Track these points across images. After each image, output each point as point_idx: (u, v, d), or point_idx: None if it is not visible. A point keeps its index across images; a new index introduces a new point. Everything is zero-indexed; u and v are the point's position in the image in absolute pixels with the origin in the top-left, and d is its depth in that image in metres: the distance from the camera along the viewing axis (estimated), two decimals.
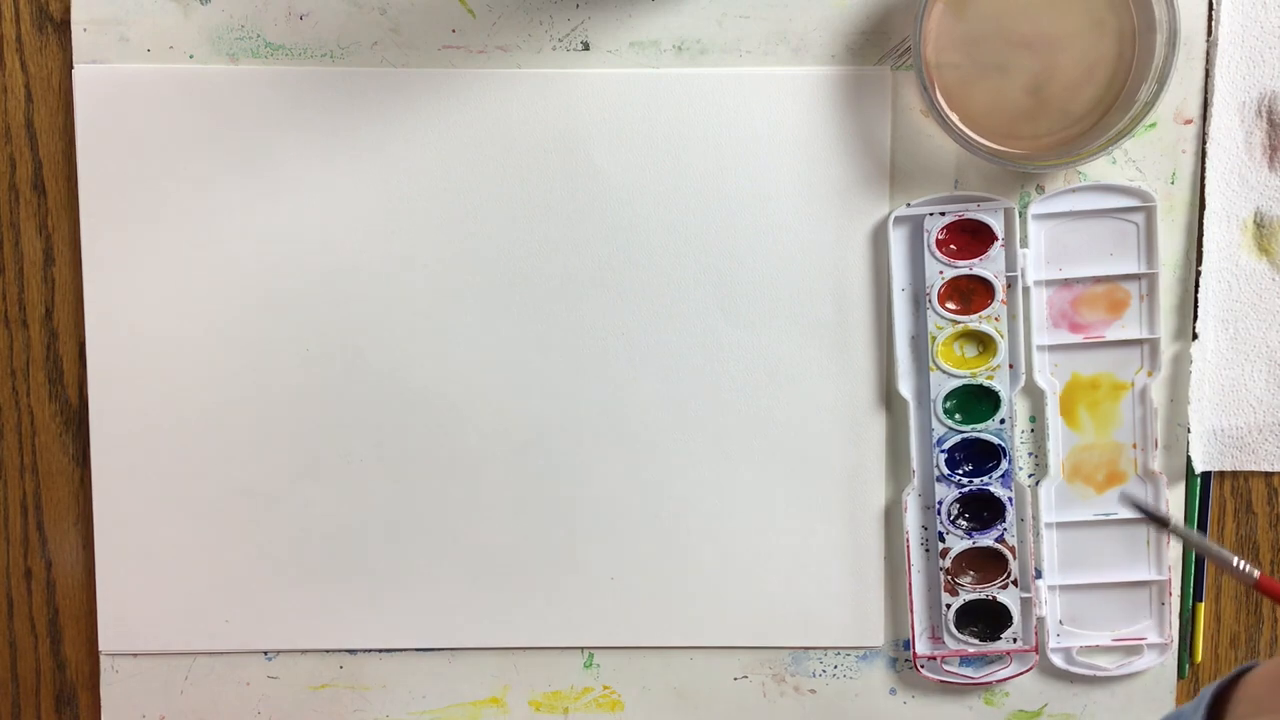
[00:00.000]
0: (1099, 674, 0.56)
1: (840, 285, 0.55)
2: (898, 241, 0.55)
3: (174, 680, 0.58)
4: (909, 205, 0.54)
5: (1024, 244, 0.54)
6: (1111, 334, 0.55)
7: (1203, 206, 0.54)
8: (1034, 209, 0.54)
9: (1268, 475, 0.56)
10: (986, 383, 0.54)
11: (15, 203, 0.56)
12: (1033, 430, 0.56)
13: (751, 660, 0.57)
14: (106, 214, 0.55)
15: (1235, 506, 0.56)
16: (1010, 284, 0.54)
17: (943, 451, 0.54)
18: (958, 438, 0.54)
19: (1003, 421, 0.54)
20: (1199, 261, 0.55)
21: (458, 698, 0.58)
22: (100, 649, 0.57)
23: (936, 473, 0.55)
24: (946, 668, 0.56)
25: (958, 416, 0.55)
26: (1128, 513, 0.55)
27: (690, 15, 0.54)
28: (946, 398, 0.54)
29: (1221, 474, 0.56)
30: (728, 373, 0.56)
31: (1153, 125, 0.54)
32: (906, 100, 0.54)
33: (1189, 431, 0.55)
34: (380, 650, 0.58)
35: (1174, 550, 0.55)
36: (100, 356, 0.56)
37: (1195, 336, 0.55)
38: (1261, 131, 0.54)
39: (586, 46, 0.54)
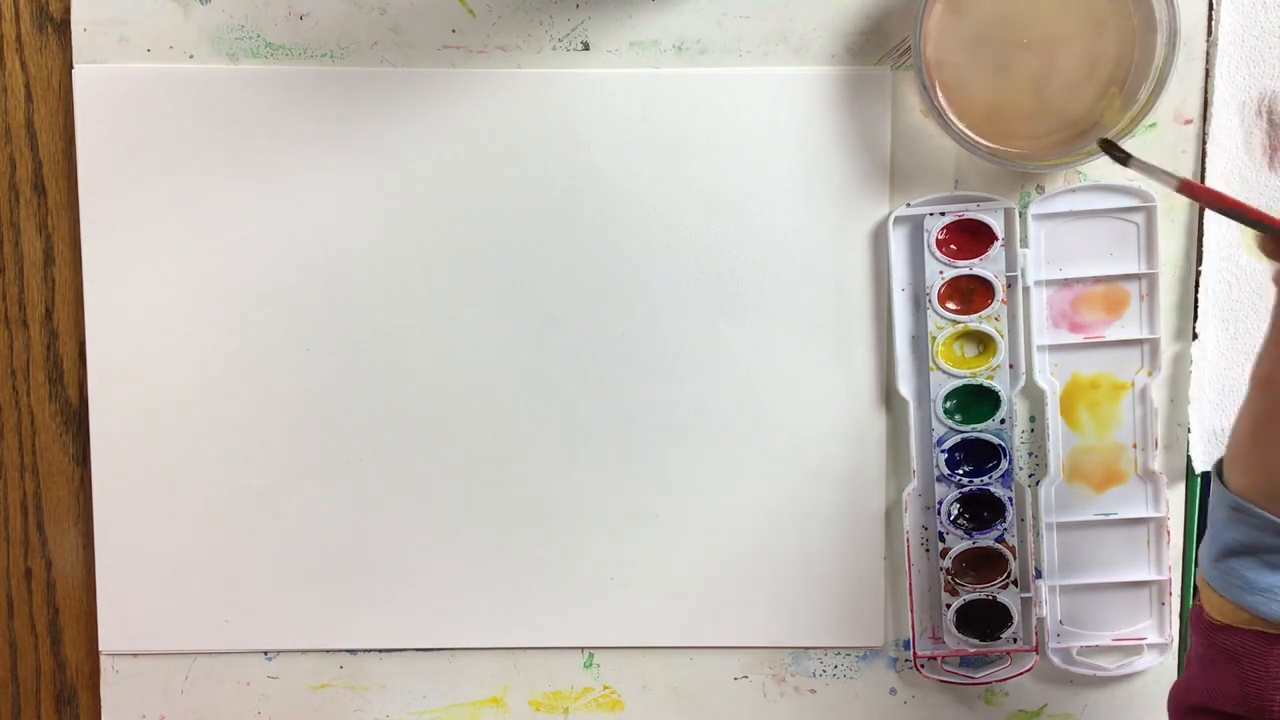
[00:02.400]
0: (1099, 674, 0.56)
1: (840, 285, 0.55)
2: (898, 241, 0.55)
3: (174, 680, 0.58)
4: (909, 205, 0.54)
5: (1024, 244, 0.54)
6: (1111, 334, 0.55)
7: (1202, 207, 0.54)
8: (1034, 209, 0.54)
9: None
10: (986, 383, 0.54)
11: (15, 203, 0.56)
12: (1033, 430, 0.56)
13: (751, 660, 0.57)
14: (106, 214, 0.55)
15: None
16: (1010, 284, 0.54)
17: (943, 451, 0.54)
18: (958, 438, 0.54)
19: (1003, 421, 0.54)
20: (1199, 261, 0.55)
21: (458, 698, 0.58)
22: (100, 649, 0.57)
23: (936, 473, 0.55)
24: (946, 668, 0.56)
25: (958, 416, 0.55)
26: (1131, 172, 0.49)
27: (690, 15, 0.54)
28: (946, 398, 0.54)
29: None
30: (728, 373, 0.56)
31: (1153, 125, 0.54)
32: (906, 100, 0.54)
33: (1189, 431, 0.55)
34: (380, 650, 0.58)
35: (1174, 550, 0.55)
36: (100, 356, 0.56)
37: (1195, 336, 0.55)
38: (1261, 131, 0.54)
39: (586, 46, 0.54)
